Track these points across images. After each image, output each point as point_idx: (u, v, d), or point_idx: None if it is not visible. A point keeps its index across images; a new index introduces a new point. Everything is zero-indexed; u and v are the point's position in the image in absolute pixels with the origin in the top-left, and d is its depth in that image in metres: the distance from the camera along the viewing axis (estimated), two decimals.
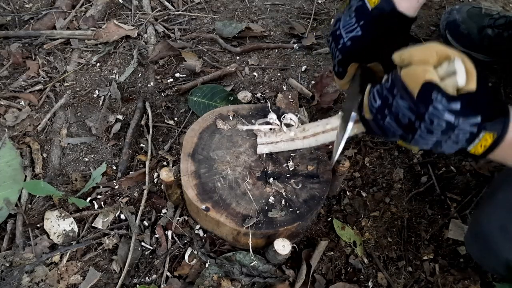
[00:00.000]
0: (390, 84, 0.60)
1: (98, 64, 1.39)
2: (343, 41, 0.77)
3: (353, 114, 0.71)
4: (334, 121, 0.80)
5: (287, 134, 0.91)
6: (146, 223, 1.05)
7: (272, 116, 0.98)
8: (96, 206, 1.07)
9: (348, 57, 0.78)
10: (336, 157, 0.83)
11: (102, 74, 1.37)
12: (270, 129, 0.98)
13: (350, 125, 0.73)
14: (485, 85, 0.57)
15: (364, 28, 0.75)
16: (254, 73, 1.39)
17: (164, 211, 1.06)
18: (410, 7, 0.75)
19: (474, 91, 0.56)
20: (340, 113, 0.82)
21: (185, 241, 1.02)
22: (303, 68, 1.40)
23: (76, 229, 1.02)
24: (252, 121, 1.03)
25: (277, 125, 0.97)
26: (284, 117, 0.95)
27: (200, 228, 1.03)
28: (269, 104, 1.08)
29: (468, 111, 0.55)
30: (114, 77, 1.36)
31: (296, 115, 0.95)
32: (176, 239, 1.02)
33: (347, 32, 0.77)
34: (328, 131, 0.81)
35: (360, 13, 0.76)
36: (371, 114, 0.65)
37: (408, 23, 0.78)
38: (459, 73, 0.55)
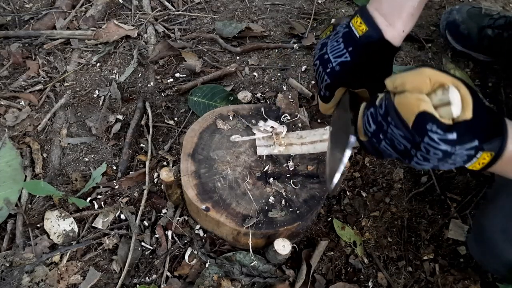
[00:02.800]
0: (384, 111, 0.60)
1: (98, 64, 1.39)
2: (331, 66, 0.78)
3: (352, 140, 0.68)
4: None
5: (284, 140, 0.91)
6: (146, 223, 1.05)
7: (262, 125, 0.97)
8: (96, 206, 1.07)
9: (337, 81, 0.78)
10: (335, 182, 0.75)
11: (102, 74, 1.37)
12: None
13: (348, 152, 0.69)
14: (481, 109, 0.56)
15: (353, 54, 0.76)
16: (254, 73, 1.39)
17: (164, 211, 1.06)
18: (396, 36, 0.77)
19: (470, 119, 0.55)
20: (329, 128, 0.80)
21: (185, 241, 1.02)
22: (303, 68, 1.40)
23: (76, 229, 1.02)
24: (250, 124, 1.03)
25: (269, 132, 0.96)
26: (265, 123, 0.94)
27: (200, 228, 1.03)
28: (263, 110, 1.07)
29: (465, 139, 0.55)
30: (114, 77, 1.36)
31: (295, 116, 0.95)
32: (176, 239, 1.02)
33: (335, 57, 0.78)
34: (326, 140, 0.80)
35: (348, 39, 0.78)
36: (366, 137, 0.65)
37: (393, 52, 0.80)
38: (454, 103, 0.54)
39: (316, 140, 0.83)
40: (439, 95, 0.55)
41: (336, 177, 0.72)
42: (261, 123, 0.95)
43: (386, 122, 0.59)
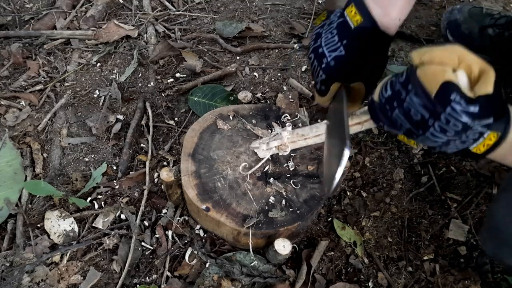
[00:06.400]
0: (404, 79, 0.60)
1: (98, 64, 1.39)
2: (326, 61, 0.76)
3: (346, 152, 0.66)
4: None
5: (287, 138, 0.90)
6: (146, 223, 1.05)
7: (279, 131, 0.91)
8: (96, 206, 1.07)
9: (332, 76, 0.77)
10: (333, 188, 0.73)
11: (103, 74, 1.37)
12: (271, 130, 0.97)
13: (346, 155, 0.67)
14: (498, 86, 0.58)
15: (347, 48, 0.75)
16: (255, 73, 1.39)
17: (164, 211, 1.06)
18: (392, 26, 0.75)
19: (491, 93, 0.56)
20: (325, 121, 0.80)
21: (186, 241, 1.02)
22: (303, 68, 1.40)
23: (76, 229, 1.02)
24: (250, 124, 1.03)
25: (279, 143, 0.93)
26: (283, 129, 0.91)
27: (200, 228, 1.03)
28: (270, 106, 1.07)
29: (484, 114, 0.56)
30: (114, 77, 1.36)
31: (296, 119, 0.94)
32: (177, 239, 1.02)
33: (330, 51, 0.76)
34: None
35: (343, 31, 0.75)
36: (379, 100, 0.65)
37: (388, 42, 0.78)
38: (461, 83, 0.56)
39: (319, 133, 0.82)
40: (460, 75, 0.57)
41: (334, 184, 0.71)
42: (272, 137, 0.89)
43: (405, 90, 0.59)
